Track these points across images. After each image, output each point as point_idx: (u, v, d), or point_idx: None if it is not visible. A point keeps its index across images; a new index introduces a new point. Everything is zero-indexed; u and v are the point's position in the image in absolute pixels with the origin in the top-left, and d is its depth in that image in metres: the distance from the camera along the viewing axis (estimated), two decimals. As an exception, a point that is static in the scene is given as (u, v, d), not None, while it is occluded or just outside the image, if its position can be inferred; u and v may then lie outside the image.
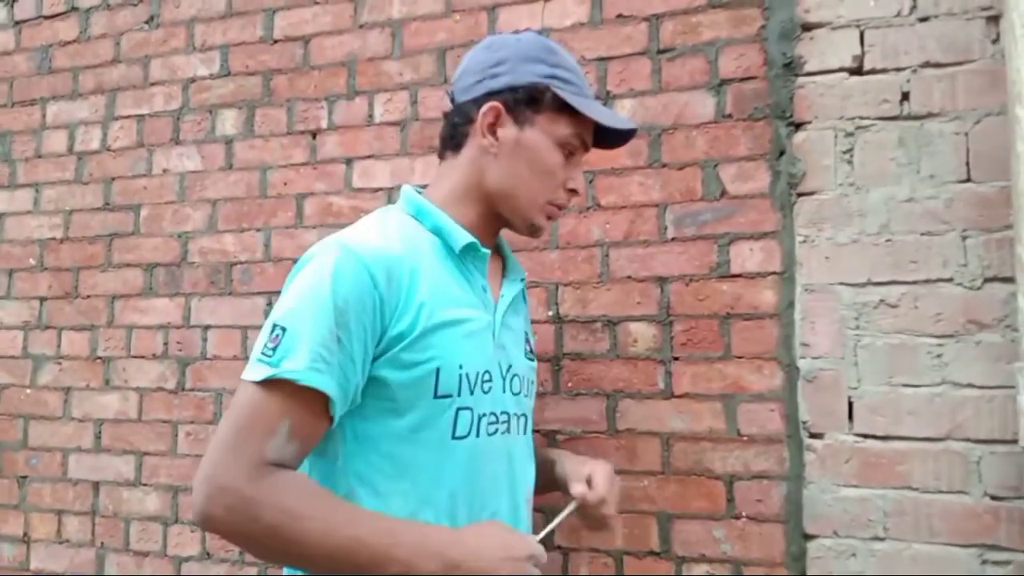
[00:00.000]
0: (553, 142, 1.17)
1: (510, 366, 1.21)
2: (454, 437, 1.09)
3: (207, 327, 1.96)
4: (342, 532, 0.97)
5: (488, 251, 1.20)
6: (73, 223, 2.14)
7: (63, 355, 2.10)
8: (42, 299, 2.14)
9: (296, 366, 0.98)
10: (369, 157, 1.85)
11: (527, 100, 1.16)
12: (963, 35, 1.45)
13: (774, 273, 1.53)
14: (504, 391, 1.18)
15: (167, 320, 2.00)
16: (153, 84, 2.09)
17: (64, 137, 2.18)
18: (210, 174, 2.00)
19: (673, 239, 1.61)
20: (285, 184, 1.92)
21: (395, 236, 1.12)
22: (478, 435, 1.12)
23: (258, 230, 1.94)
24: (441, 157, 1.26)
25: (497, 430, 1.15)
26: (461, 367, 1.09)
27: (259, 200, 1.94)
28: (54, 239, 2.15)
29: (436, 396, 1.07)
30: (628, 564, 1.57)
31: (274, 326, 1.01)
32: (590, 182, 1.68)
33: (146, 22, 2.11)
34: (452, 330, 1.09)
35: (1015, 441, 1.32)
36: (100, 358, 2.06)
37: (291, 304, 1.03)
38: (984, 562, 1.37)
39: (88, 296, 2.09)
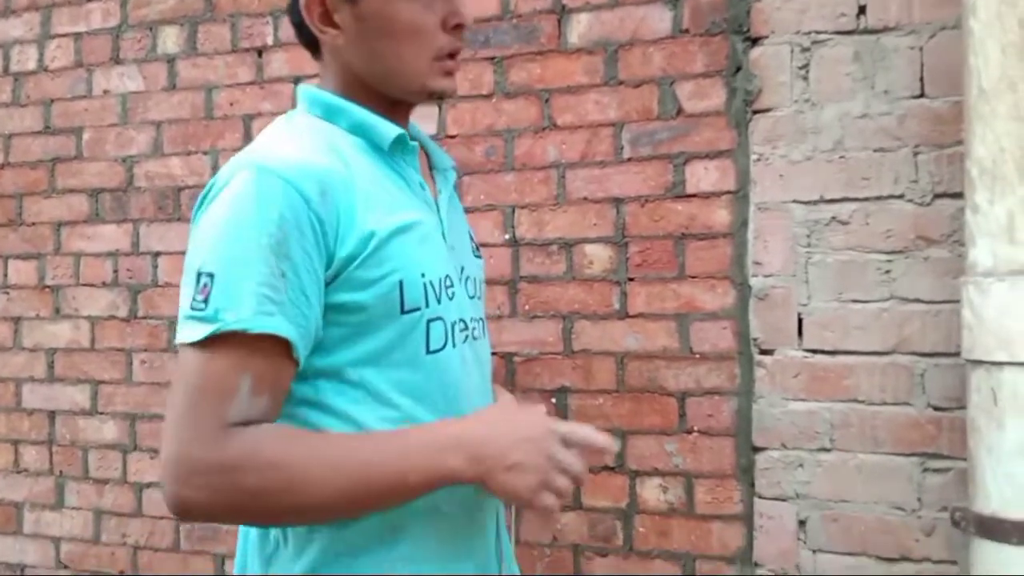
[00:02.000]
0: None
1: (462, 268, 1.10)
2: (429, 351, 0.99)
3: (157, 254, 1.92)
4: (345, 464, 0.88)
5: (417, 144, 1.04)
6: (13, 148, 2.06)
7: (10, 284, 2.05)
8: (-15, 227, 2.08)
9: (241, 314, 0.85)
10: (317, 76, 1.79)
11: None
12: (922, -55, 1.42)
13: (728, 192, 1.53)
14: (464, 296, 1.08)
15: (115, 247, 1.95)
16: (90, 0, 1.99)
17: (-2, 57, 2.08)
18: (153, 95, 1.93)
19: (629, 159, 1.60)
20: (231, 104, 1.86)
21: (312, 144, 0.96)
22: (454, 345, 1.02)
23: (205, 153, 1.88)
24: (315, 58, 1.08)
25: (467, 336, 1.07)
26: (424, 275, 0.98)
27: (205, 121, 1.88)
28: (-6, 165, 2.07)
29: (404, 311, 0.96)
30: (583, 480, 1.61)
31: (199, 275, 0.86)
32: (546, 101, 1.65)
33: (78, -68, 1.99)
34: (406, 236, 0.97)
35: (958, 354, 1.35)
36: (48, 287, 2.01)
37: (213, 244, 0.87)
38: (925, 470, 1.41)
39: (33, 224, 2.03)
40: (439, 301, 1.01)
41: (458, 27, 0.99)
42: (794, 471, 1.48)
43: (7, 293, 2.05)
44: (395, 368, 0.96)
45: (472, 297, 1.12)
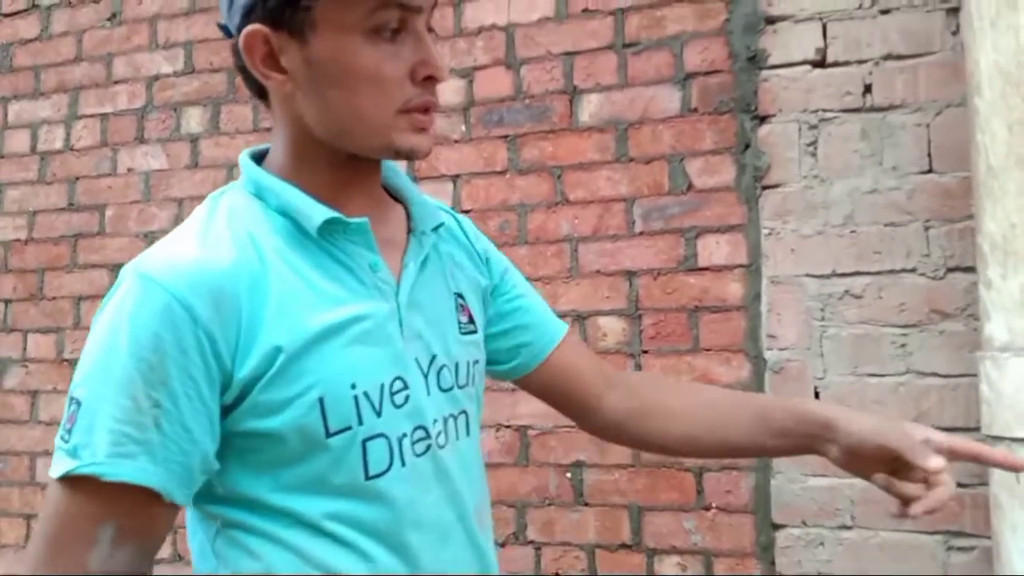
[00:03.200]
0: (355, 35, 0.80)
1: (433, 357, 0.90)
2: (368, 478, 0.82)
3: (175, 327, 1.94)
4: None
5: (364, 219, 0.86)
6: (37, 224, 2.10)
7: (29, 358, 2.07)
8: (7, 301, 2.11)
9: (95, 456, 0.73)
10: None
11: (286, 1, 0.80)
12: (924, 27, 1.46)
13: (741, 266, 1.54)
14: (428, 393, 0.89)
15: (134, 321, 1.97)
16: (116, 82, 2.06)
17: (27, 137, 2.14)
18: (176, 172, 1.98)
19: (641, 233, 1.62)
20: (251, 182, 1.90)
21: (225, 237, 0.81)
22: (403, 463, 0.84)
23: (225, 229, 1.92)
24: (266, 108, 0.91)
25: (429, 447, 0.87)
26: (354, 386, 0.81)
27: (225, 198, 1.92)
28: (18, 240, 2.12)
29: (329, 435, 0.79)
30: (600, 557, 1.58)
31: (70, 399, 0.75)
32: (558, 177, 1.68)
33: (108, 19, 2.08)
34: (332, 341, 0.81)
35: (978, 428, 1.34)
36: (67, 360, 2.03)
37: (85, 365, 0.76)
38: (949, 548, 1.38)
39: (54, 298, 2.06)
40: (379, 414, 0.83)
41: (429, 79, 0.83)
42: (815, 549, 1.45)
43: (26, 367, 2.07)
44: (328, 498, 0.81)
45: (448, 389, 0.92)
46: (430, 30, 0.86)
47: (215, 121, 1.95)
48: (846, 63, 1.50)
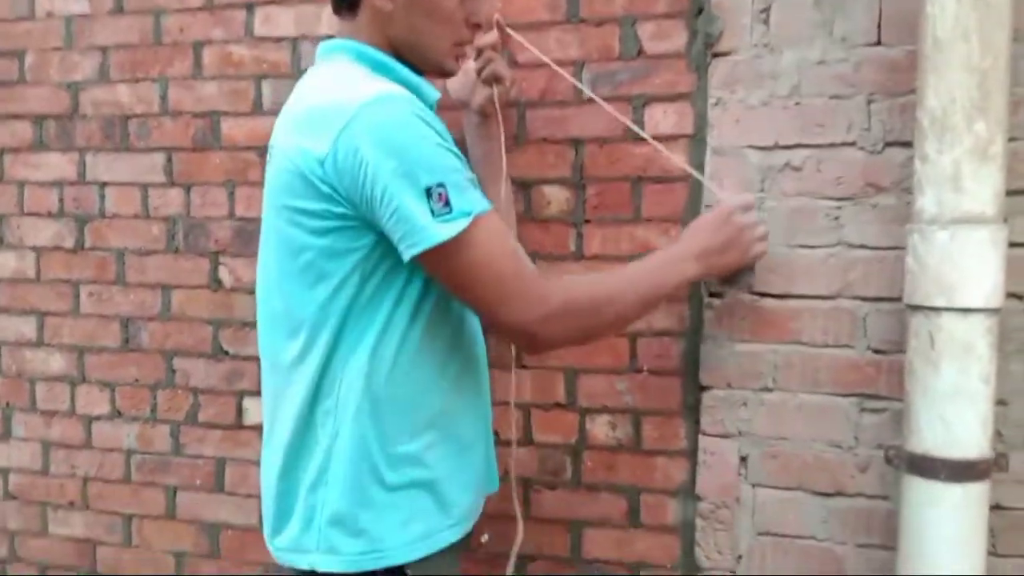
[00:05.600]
0: None
1: None
2: None
3: (104, 184, 1.87)
4: (633, 280, 1.28)
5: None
6: (-50, 69, 1.97)
7: (-50, 213, 1.99)
8: (-79, 152, 2.00)
9: (479, 200, 1.12)
10: (271, 3, 1.73)
11: None
12: None
13: (685, 136, 1.53)
14: None
15: (61, 176, 1.90)
16: (29, -85, 1.89)
17: (-69, -28, 1.97)
18: (99, 18, 1.85)
19: (589, 100, 1.59)
20: (181, 31, 1.80)
21: (387, 85, 1.18)
22: None
23: (154, 80, 1.82)
24: (336, 13, 1.26)
25: None
26: None
27: (154, 48, 1.82)
28: (-71, 87, 1.98)
29: None
30: (535, 415, 1.64)
31: (428, 189, 1.06)
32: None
33: None
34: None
35: (899, 299, 1.40)
36: (-10, 216, 1.95)
37: (424, 163, 1.08)
38: (862, 410, 1.47)
39: (-27, 150, 1.96)
40: None
41: (477, 25, 1.28)
42: (737, 409, 1.52)
43: (-53, 221, 1.99)
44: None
45: None
46: None
47: (140, -38, 1.82)
48: (804, -74, 1.45)
